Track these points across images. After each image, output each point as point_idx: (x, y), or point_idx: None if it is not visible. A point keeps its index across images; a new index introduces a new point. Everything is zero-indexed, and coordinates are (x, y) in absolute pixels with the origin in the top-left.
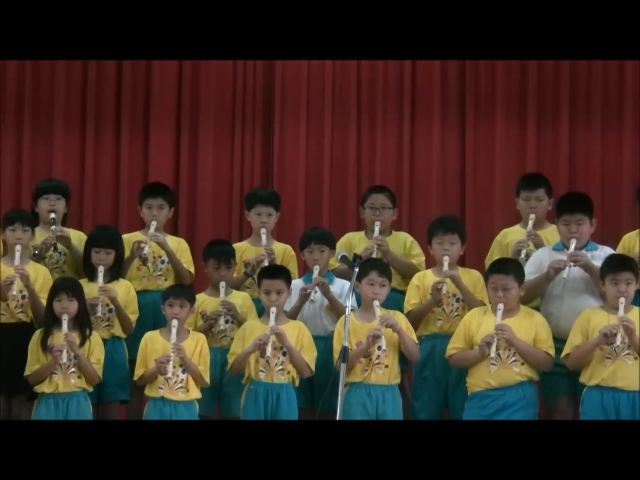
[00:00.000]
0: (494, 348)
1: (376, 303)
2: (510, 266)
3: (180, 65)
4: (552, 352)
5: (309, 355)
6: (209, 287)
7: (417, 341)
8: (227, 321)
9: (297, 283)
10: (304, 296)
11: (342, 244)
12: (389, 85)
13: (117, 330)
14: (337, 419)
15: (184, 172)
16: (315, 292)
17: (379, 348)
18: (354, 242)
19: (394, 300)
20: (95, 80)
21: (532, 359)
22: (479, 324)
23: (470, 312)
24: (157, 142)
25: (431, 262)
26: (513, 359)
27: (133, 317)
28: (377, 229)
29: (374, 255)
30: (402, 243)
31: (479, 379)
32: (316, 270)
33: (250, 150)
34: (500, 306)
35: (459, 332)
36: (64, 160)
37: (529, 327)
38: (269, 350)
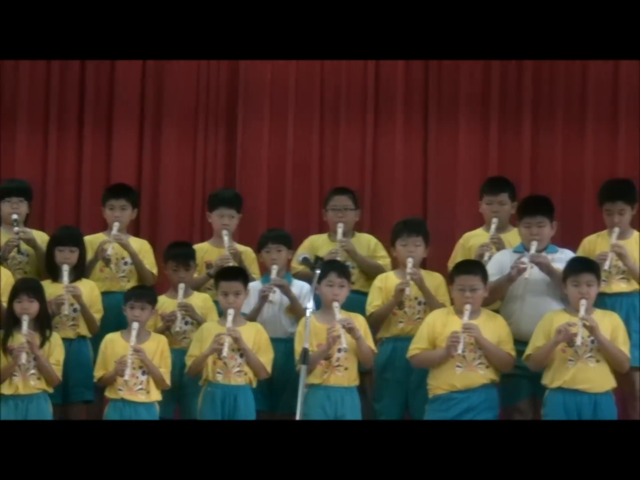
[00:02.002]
0: (461, 346)
1: (336, 304)
2: (477, 267)
3: (144, 65)
4: (513, 353)
5: (266, 357)
6: (170, 289)
7: (374, 348)
8: (186, 323)
9: (255, 285)
10: (263, 297)
11: (305, 247)
12: (352, 86)
13: (83, 330)
14: (297, 419)
15: (147, 172)
16: (274, 292)
17: (339, 350)
18: (317, 244)
19: (358, 302)
20: (58, 81)
21: (497, 360)
22: (443, 325)
23: (433, 313)
24: (120, 143)
25: (395, 265)
26: (479, 361)
27: (98, 316)
28: (340, 231)
29: (338, 258)
30: (366, 245)
31: (443, 382)
32: (274, 270)
33: (213, 151)
34: (468, 307)
35: (421, 333)
36: (26, 160)
37: (493, 328)
38: (225, 351)
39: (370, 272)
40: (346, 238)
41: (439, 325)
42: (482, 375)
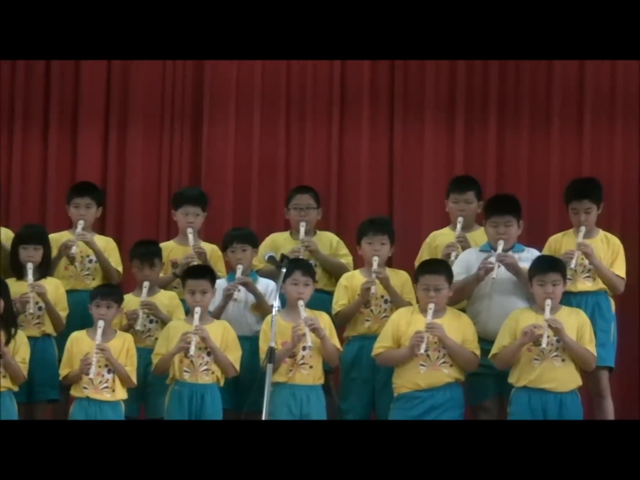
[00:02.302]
0: (424, 346)
1: (301, 303)
2: (441, 266)
3: (109, 65)
4: (478, 352)
5: (234, 355)
6: (137, 287)
7: (339, 346)
8: (151, 321)
9: (220, 283)
10: (227, 296)
11: (266, 245)
12: (318, 85)
13: (49, 328)
14: (263, 419)
15: (112, 171)
16: (239, 291)
17: (304, 348)
18: (278, 242)
19: (322, 301)
20: (23, 80)
21: (461, 359)
22: (407, 323)
23: (398, 312)
24: (85, 141)
25: (358, 263)
26: (442, 360)
27: (63, 314)
28: (302, 230)
29: (300, 257)
30: (328, 243)
31: (407, 380)
32: (239, 269)
33: (179, 150)
34: (432, 306)
35: (386, 331)
36: None
37: (458, 327)
38: (192, 350)
39: (333, 270)
40: (308, 237)
41: (404, 324)
42: (446, 374)
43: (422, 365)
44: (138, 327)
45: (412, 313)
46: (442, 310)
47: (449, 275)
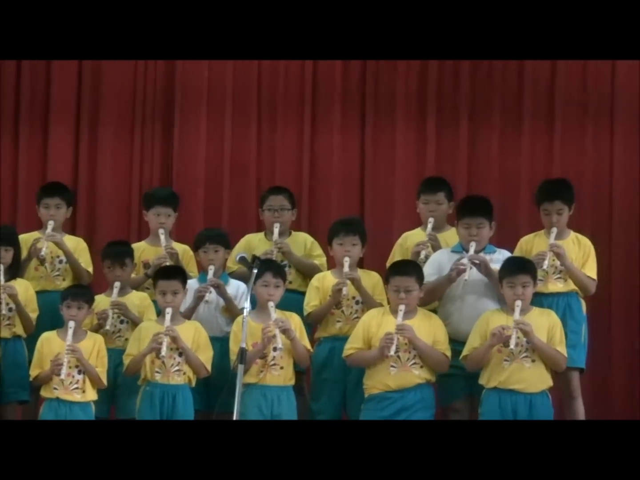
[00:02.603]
0: (394, 348)
1: (271, 304)
2: (412, 268)
3: (80, 65)
4: (448, 353)
5: (205, 356)
6: (109, 288)
7: (309, 347)
8: (121, 322)
9: (192, 283)
10: (199, 297)
11: (241, 246)
12: (290, 86)
13: (19, 329)
14: (234, 419)
15: (83, 171)
16: (210, 292)
17: (275, 349)
18: (253, 243)
19: (295, 302)
20: None
21: (431, 360)
22: (378, 325)
23: (369, 313)
24: (56, 142)
25: (332, 263)
26: (413, 361)
27: (33, 315)
28: (276, 231)
29: (273, 258)
30: (302, 244)
31: (378, 381)
32: (211, 270)
33: (150, 150)
34: (402, 307)
35: (357, 332)
36: None
37: (428, 328)
38: (164, 351)
39: (307, 272)
40: (282, 238)
41: (374, 325)
42: (417, 375)
43: (392, 366)
44: (108, 327)
45: (382, 314)
46: (412, 312)
47: (419, 276)
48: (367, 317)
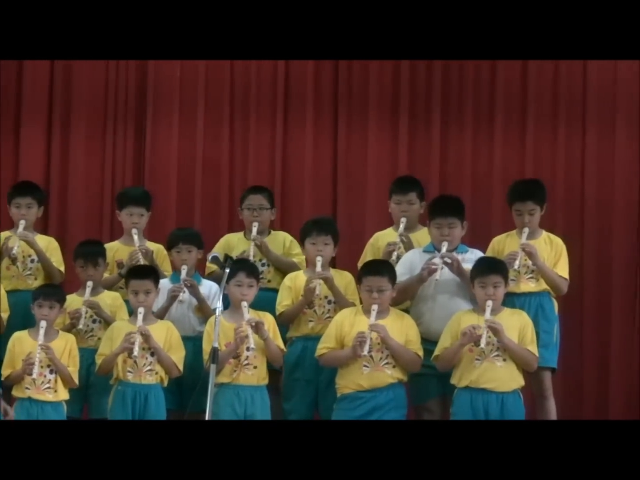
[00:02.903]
0: (367, 347)
1: (244, 304)
2: (385, 268)
3: (52, 65)
4: (421, 353)
5: (177, 355)
6: (81, 287)
7: (283, 347)
8: (94, 321)
9: (164, 283)
10: (172, 297)
11: (220, 246)
12: (262, 86)
13: None
14: (206, 419)
15: (55, 171)
16: (184, 292)
17: (248, 349)
18: (232, 243)
19: (273, 300)
20: None
21: (403, 360)
22: (351, 324)
23: (342, 313)
24: (28, 142)
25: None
26: (385, 361)
27: (4, 315)
28: (254, 230)
29: (251, 257)
30: (282, 243)
31: (350, 381)
32: (184, 270)
33: (122, 150)
34: (375, 307)
35: (330, 332)
36: None
37: (401, 328)
38: (136, 350)
39: (285, 269)
40: (261, 237)
41: (347, 324)
42: (389, 374)
43: (365, 366)
44: (81, 326)
45: (355, 314)
46: (385, 311)
47: (392, 276)
48: (340, 317)
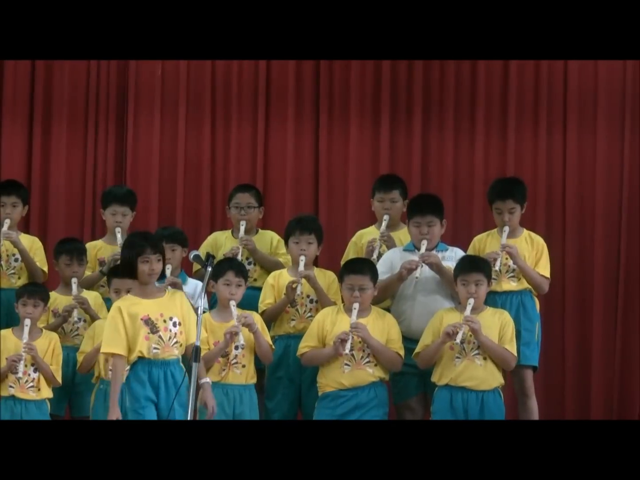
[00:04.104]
0: (348, 346)
1: (232, 303)
2: (366, 266)
3: (33, 64)
4: (402, 352)
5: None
6: (60, 285)
7: (272, 343)
8: (79, 320)
9: None
10: None
11: (208, 244)
12: (244, 85)
13: None
14: (189, 418)
15: (37, 170)
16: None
17: (237, 347)
18: (220, 241)
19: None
20: None
21: (384, 359)
22: (332, 323)
23: (323, 312)
24: (8, 140)
25: None
26: (367, 359)
27: None
28: (242, 228)
29: (239, 256)
30: (269, 242)
31: (332, 380)
32: (168, 270)
33: (104, 149)
34: (356, 305)
35: (311, 331)
36: None
37: (382, 327)
38: None
39: (272, 269)
40: (249, 236)
41: (329, 323)
42: (370, 373)
43: (346, 364)
44: (75, 319)
45: (336, 313)
46: (366, 310)
47: (374, 275)
48: (321, 316)
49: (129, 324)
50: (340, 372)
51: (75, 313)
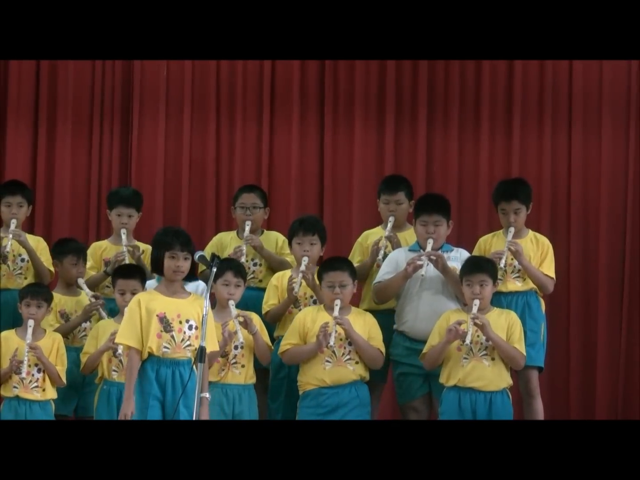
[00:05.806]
0: (332, 338)
1: (231, 302)
2: (344, 263)
3: (38, 64)
4: (383, 350)
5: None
6: (59, 285)
7: (270, 344)
8: (86, 320)
9: (151, 283)
10: None
11: (213, 244)
12: (249, 85)
13: None
14: (194, 419)
15: (41, 170)
16: None
17: (236, 347)
18: (225, 241)
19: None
20: None
21: (367, 354)
22: (313, 321)
23: (304, 310)
24: (13, 140)
25: None
26: (348, 357)
27: None
28: (247, 229)
29: (243, 257)
30: (274, 242)
31: (312, 377)
32: None
33: (108, 149)
34: (338, 302)
35: (293, 329)
36: None
37: (363, 325)
38: (121, 348)
39: (278, 267)
40: (254, 236)
41: (309, 321)
42: (352, 371)
43: (327, 361)
44: (104, 315)
45: (317, 311)
46: (347, 309)
47: (352, 271)
48: (302, 314)
49: (145, 318)
50: (321, 369)
51: (101, 311)
